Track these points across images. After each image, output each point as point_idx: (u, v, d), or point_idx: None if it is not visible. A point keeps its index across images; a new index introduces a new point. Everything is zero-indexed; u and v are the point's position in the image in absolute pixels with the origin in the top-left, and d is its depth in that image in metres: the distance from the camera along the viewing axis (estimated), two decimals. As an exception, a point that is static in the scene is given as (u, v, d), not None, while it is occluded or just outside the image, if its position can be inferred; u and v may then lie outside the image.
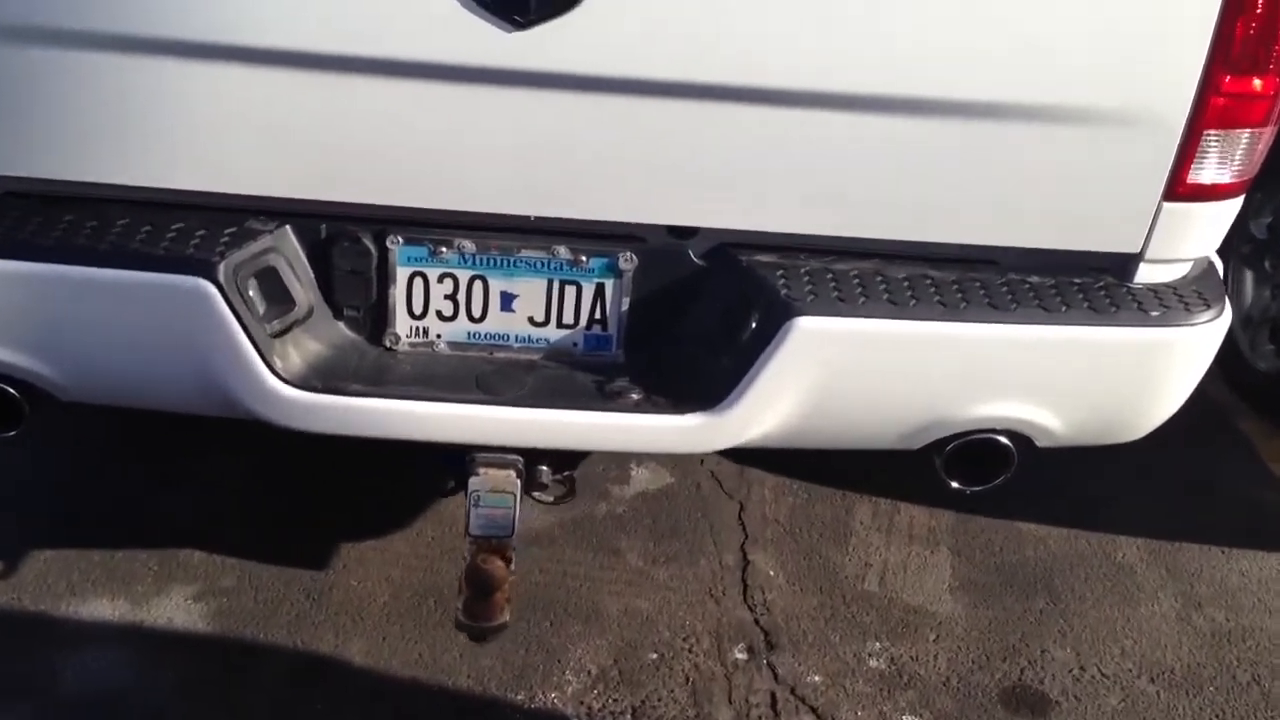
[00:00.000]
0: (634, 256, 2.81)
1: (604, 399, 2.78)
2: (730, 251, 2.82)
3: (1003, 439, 2.89)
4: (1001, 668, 3.58)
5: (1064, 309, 2.76)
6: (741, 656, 3.53)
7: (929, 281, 2.80)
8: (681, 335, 2.89)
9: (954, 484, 2.98)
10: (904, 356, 2.75)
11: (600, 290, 2.86)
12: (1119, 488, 4.33)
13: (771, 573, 3.87)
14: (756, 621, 3.67)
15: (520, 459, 2.83)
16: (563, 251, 2.81)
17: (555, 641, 3.51)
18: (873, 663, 3.55)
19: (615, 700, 3.32)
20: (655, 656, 3.49)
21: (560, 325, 2.89)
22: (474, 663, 3.40)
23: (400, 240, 2.77)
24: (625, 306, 2.87)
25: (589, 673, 3.41)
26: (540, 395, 2.77)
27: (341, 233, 2.75)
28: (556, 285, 2.85)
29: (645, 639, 3.55)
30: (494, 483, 2.74)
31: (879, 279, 2.79)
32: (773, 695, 3.40)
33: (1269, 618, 3.90)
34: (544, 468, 2.93)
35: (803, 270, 2.79)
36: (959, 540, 4.12)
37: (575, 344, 2.91)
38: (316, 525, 3.86)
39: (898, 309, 2.70)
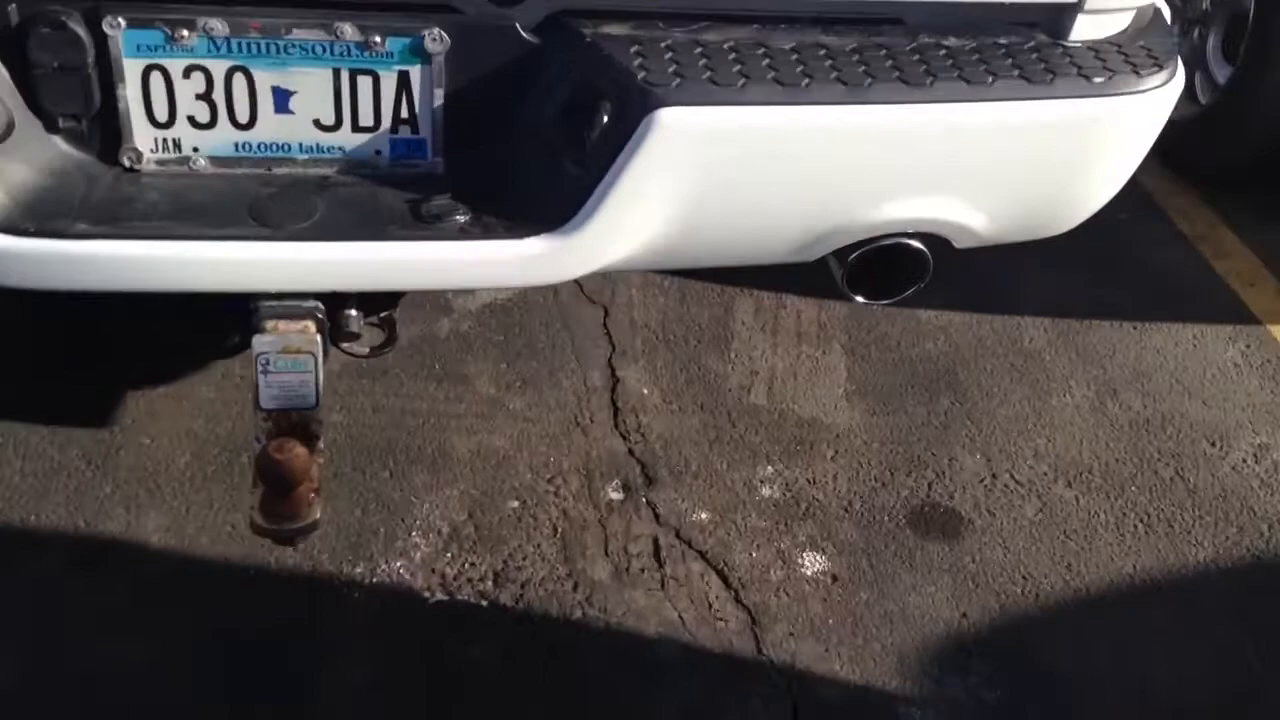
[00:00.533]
0: (444, 35, 2.15)
1: (419, 224, 2.17)
2: (569, 22, 2.18)
3: (916, 243, 2.36)
4: (907, 484, 3.17)
5: (990, 80, 2.19)
6: (616, 496, 3.06)
7: (823, 52, 2.20)
8: (514, 135, 2.26)
9: (858, 297, 2.46)
10: (797, 151, 2.17)
11: (404, 80, 2.20)
12: (1020, 264, 3.87)
13: (645, 391, 3.37)
14: (631, 452, 3.18)
15: (320, 304, 2.21)
16: (348, 31, 2.13)
17: (397, 496, 2.98)
18: (765, 491, 3.12)
19: (472, 564, 2.83)
20: (516, 505, 3.00)
21: (357, 128, 2.23)
22: (299, 532, 2.85)
23: (121, 22, 2.06)
24: (439, 100, 2.22)
25: (439, 532, 2.90)
26: (335, 224, 2.14)
27: (38, 15, 2.02)
28: (346, 76, 2.18)
29: (503, 484, 3.05)
30: (286, 341, 2.13)
31: (761, 51, 2.18)
32: (655, 541, 2.95)
33: (1187, 400, 3.56)
34: (352, 311, 2.32)
35: (664, 44, 2.16)
36: (852, 337, 3.66)
37: (378, 151, 2.27)
38: (93, 371, 3.21)
39: (787, 90, 2.11)
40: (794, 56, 2.18)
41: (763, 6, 2.24)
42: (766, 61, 2.15)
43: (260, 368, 2.13)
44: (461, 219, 2.17)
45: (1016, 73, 2.22)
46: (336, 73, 2.17)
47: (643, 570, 2.87)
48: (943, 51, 2.25)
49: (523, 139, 2.25)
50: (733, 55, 2.16)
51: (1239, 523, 3.15)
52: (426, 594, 2.76)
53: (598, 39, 2.15)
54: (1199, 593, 2.96)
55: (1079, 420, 3.43)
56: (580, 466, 3.12)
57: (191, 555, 2.80)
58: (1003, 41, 2.29)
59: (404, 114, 2.23)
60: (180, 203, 2.15)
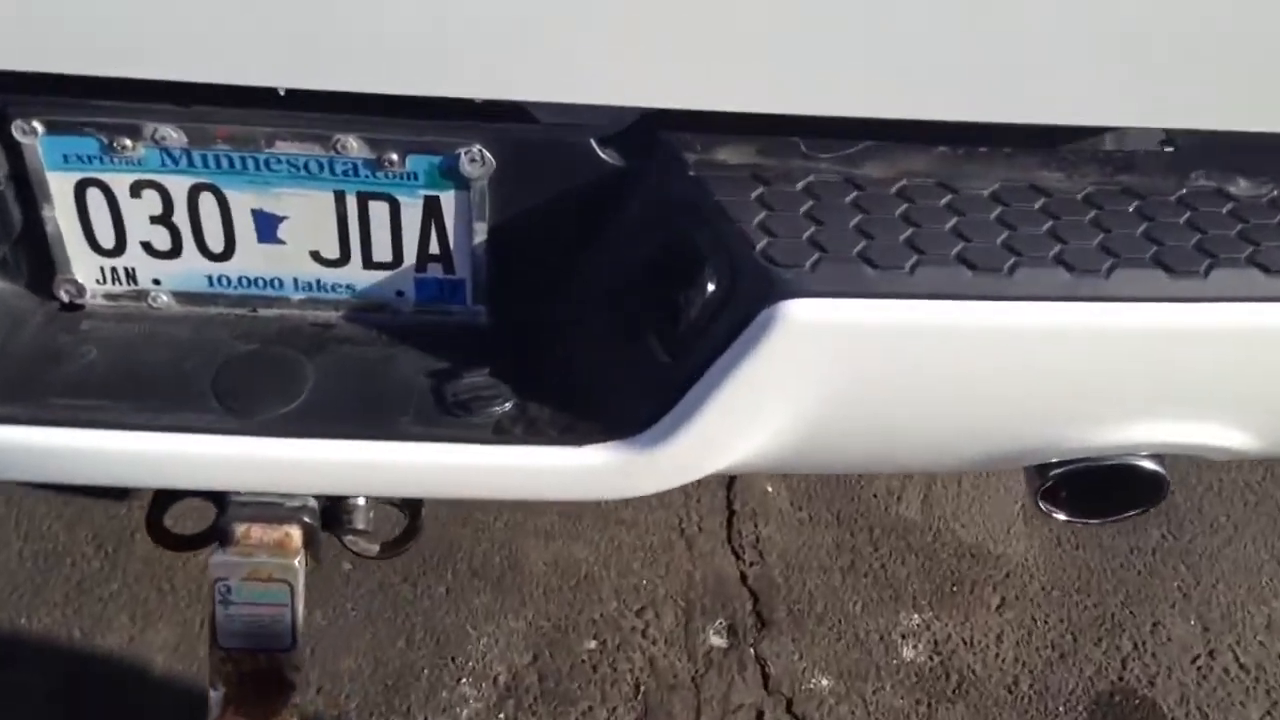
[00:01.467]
0: (485, 154, 1.49)
1: (442, 415, 1.55)
2: (668, 141, 1.50)
3: (1149, 464, 1.64)
4: (1095, 656, 2.49)
5: (1304, 264, 1.43)
6: (719, 643, 2.46)
7: (1041, 202, 1.47)
8: (582, 289, 1.61)
9: (1057, 515, 1.76)
10: (986, 359, 1.46)
11: (433, 209, 1.56)
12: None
13: (769, 489, 2.72)
14: (743, 578, 2.57)
15: (311, 501, 1.64)
16: (353, 145, 1.49)
17: (450, 623, 2.44)
18: (907, 651, 2.47)
19: (527, 731, 2.28)
20: (593, 646, 2.43)
21: (370, 264, 1.61)
22: (330, 665, 2.35)
23: (37, 128, 1.46)
24: (481, 235, 1.58)
25: (495, 681, 2.36)
26: (325, 411, 1.54)
27: (-80, 119, 1.45)
28: (353, 201, 1.55)
29: (581, 614, 2.48)
30: (255, 565, 1.57)
31: (945, 202, 1.46)
32: (759, 716, 2.34)
33: None
34: (360, 501, 1.73)
35: (802, 186, 1.46)
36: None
37: (400, 293, 1.65)
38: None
39: (980, 279, 1.40)
40: (995, 211, 1.46)
41: (966, 111, 1.50)
42: (952, 222, 1.44)
43: (219, 596, 1.57)
44: (500, 409, 1.54)
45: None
46: (340, 196, 1.54)
47: (741, 760, 2.28)
48: (1227, 207, 1.49)
49: (593, 297, 1.60)
50: (902, 208, 1.45)
51: None
52: (469, 772, 2.22)
53: (705, 172, 1.46)
54: None
55: (1330, 573, 2.66)
56: (679, 594, 2.52)
57: (198, 688, 2.32)
58: (1309, 190, 1.52)
59: (434, 249, 1.60)
60: (125, 363, 1.58)
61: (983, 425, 1.57)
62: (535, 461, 1.54)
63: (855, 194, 1.46)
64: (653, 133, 1.50)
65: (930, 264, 1.40)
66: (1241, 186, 1.52)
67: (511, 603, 2.47)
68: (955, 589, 2.57)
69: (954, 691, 2.40)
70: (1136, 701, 2.42)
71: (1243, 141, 1.51)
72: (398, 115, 1.48)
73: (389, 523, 1.79)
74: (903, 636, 2.49)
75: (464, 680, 2.35)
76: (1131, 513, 1.75)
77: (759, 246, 1.40)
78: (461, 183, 1.53)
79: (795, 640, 2.47)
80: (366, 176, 1.52)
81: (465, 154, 1.49)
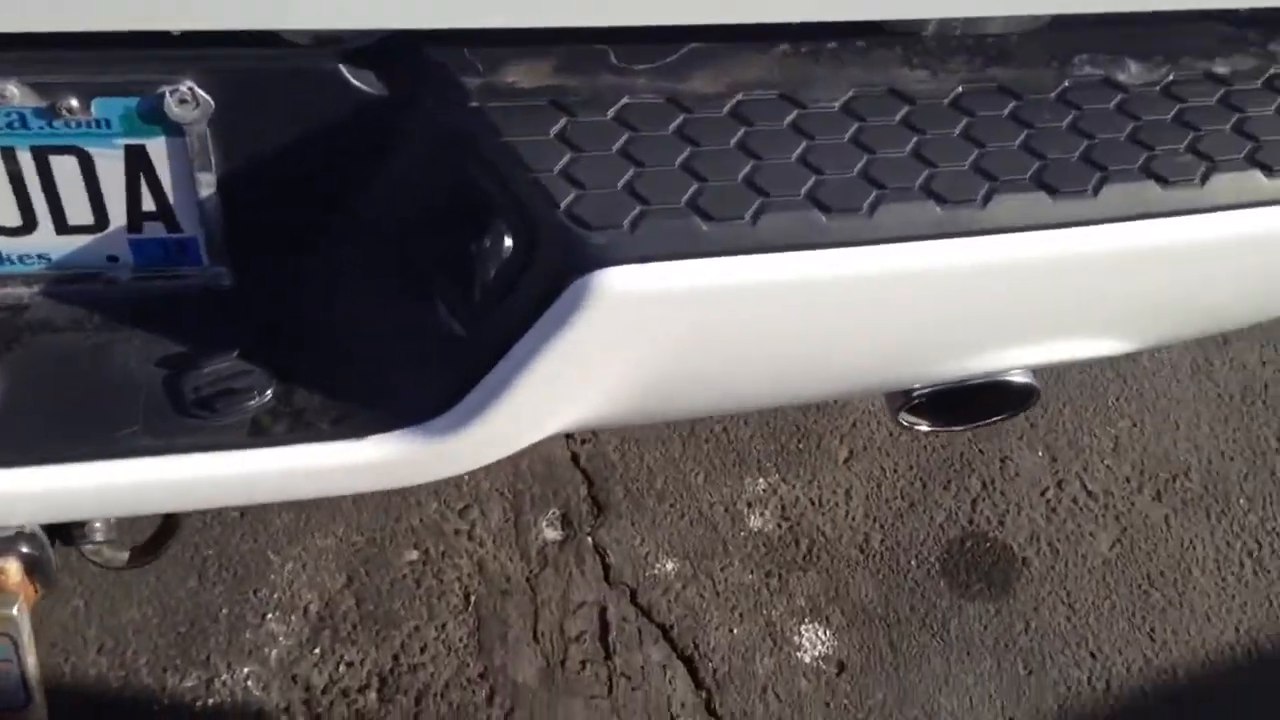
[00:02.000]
0: (198, 93, 1.13)
1: (177, 416, 1.23)
2: (438, 63, 1.16)
3: (1022, 378, 1.45)
4: (945, 501, 2.41)
5: (1203, 174, 1.22)
6: (553, 535, 2.28)
7: (904, 112, 1.21)
8: (350, 242, 1.28)
9: (918, 427, 1.56)
10: (863, 310, 1.22)
11: (139, 160, 1.20)
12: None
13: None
14: (575, 460, 2.37)
15: (28, 528, 1.33)
16: (13, 92, 1.11)
17: (248, 549, 2.18)
18: (754, 520, 2.34)
19: (349, 665, 2.09)
20: (414, 558, 2.21)
21: (65, 229, 1.25)
22: (109, 619, 2.07)
23: None
24: (208, 187, 1.22)
25: (305, 611, 2.13)
26: (21, 425, 1.21)
27: None
28: (27, 159, 1.18)
29: (398, 522, 2.23)
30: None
31: (790, 120, 1.18)
32: (602, 614, 2.19)
33: None
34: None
35: (613, 113, 1.16)
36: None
37: (114, 258, 1.29)
38: None
39: (836, 221, 1.14)
40: (850, 129, 1.18)
41: (809, 7, 1.20)
42: (800, 149, 1.16)
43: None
44: (256, 403, 1.23)
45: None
46: (8, 153, 1.16)
47: (584, 664, 2.12)
48: (1116, 99, 1.25)
49: (365, 254, 1.28)
50: (739, 134, 1.16)
51: (1372, 561, 2.41)
52: (284, 719, 2.01)
53: (490, 102, 1.14)
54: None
55: (1174, 392, 2.59)
56: (505, 487, 2.30)
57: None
58: (1219, 71, 1.28)
59: (148, 205, 1.24)
60: None
61: (842, 373, 1.34)
62: (308, 462, 1.25)
63: (681, 119, 1.16)
64: (419, 51, 1.16)
65: (777, 209, 1.13)
66: (1131, 73, 1.27)
67: (317, 519, 2.21)
68: (801, 445, 2.41)
69: (804, 558, 2.27)
70: (987, 545, 2.34)
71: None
72: (71, 50, 1.10)
73: (142, 521, 1.48)
74: (749, 505, 2.33)
75: (269, 615, 2.11)
76: (999, 418, 1.57)
77: (564, 202, 1.10)
78: (172, 128, 1.17)
79: (635, 523, 2.29)
80: (41, 128, 1.15)
81: (171, 94, 1.13)
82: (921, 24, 1.25)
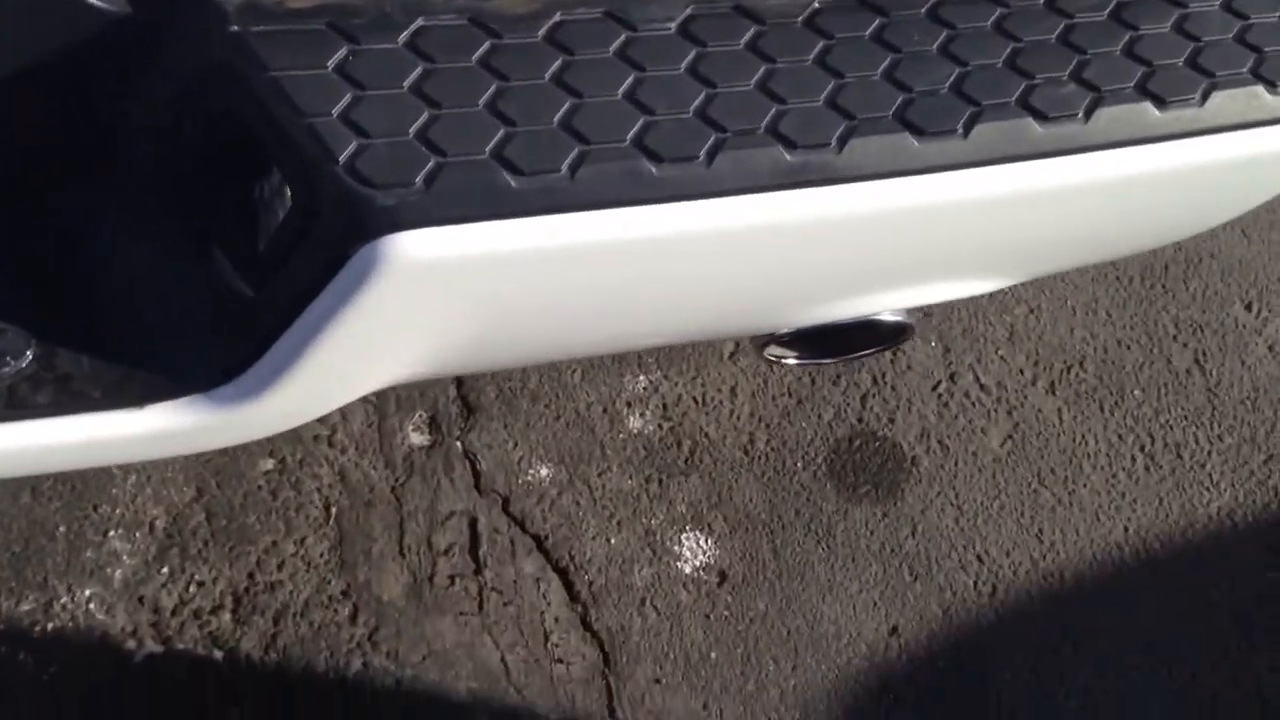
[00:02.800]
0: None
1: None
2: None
3: (894, 317, 1.32)
4: (834, 397, 2.29)
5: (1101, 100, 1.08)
6: (419, 441, 2.15)
7: (749, 41, 1.04)
8: (117, 184, 1.10)
9: (786, 360, 1.44)
10: (700, 268, 1.08)
11: None
12: None
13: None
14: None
15: None
16: None
17: (89, 459, 2.01)
18: (633, 421, 2.22)
19: (201, 584, 1.98)
20: (270, 467, 2.08)
21: None
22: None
23: None
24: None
25: (151, 527, 2.00)
26: None
27: None
28: None
29: (251, 428, 2.08)
30: None
31: (617, 48, 1.01)
32: (473, 524, 2.09)
33: (1223, 232, 2.60)
34: None
35: (406, 39, 0.98)
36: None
37: None
38: None
39: (667, 174, 0.99)
40: (687, 57, 1.02)
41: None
42: (627, 83, 0.99)
43: None
44: (13, 369, 1.07)
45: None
46: None
47: (453, 579, 2.02)
48: (994, 15, 1.09)
49: (132, 196, 1.10)
50: (555, 65, 0.99)
51: (1272, 447, 2.36)
52: (131, 643, 1.90)
53: (254, 24, 0.95)
54: (1215, 581, 2.22)
55: (1072, 275, 2.48)
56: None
57: None
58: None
59: None
60: None
61: (682, 329, 1.20)
62: (78, 435, 1.10)
63: (487, 46, 0.99)
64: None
65: (599, 160, 0.96)
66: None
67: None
68: (683, 339, 2.28)
69: (686, 462, 2.17)
70: (876, 444, 2.25)
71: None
72: None
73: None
74: (628, 405, 2.21)
75: (112, 533, 1.97)
76: (871, 352, 1.45)
77: (344, 155, 0.93)
78: None
79: (508, 426, 2.16)
80: None
81: None
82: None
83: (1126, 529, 2.22)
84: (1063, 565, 2.16)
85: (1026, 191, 1.07)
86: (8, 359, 1.07)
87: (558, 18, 1.00)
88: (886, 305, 1.24)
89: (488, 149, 0.95)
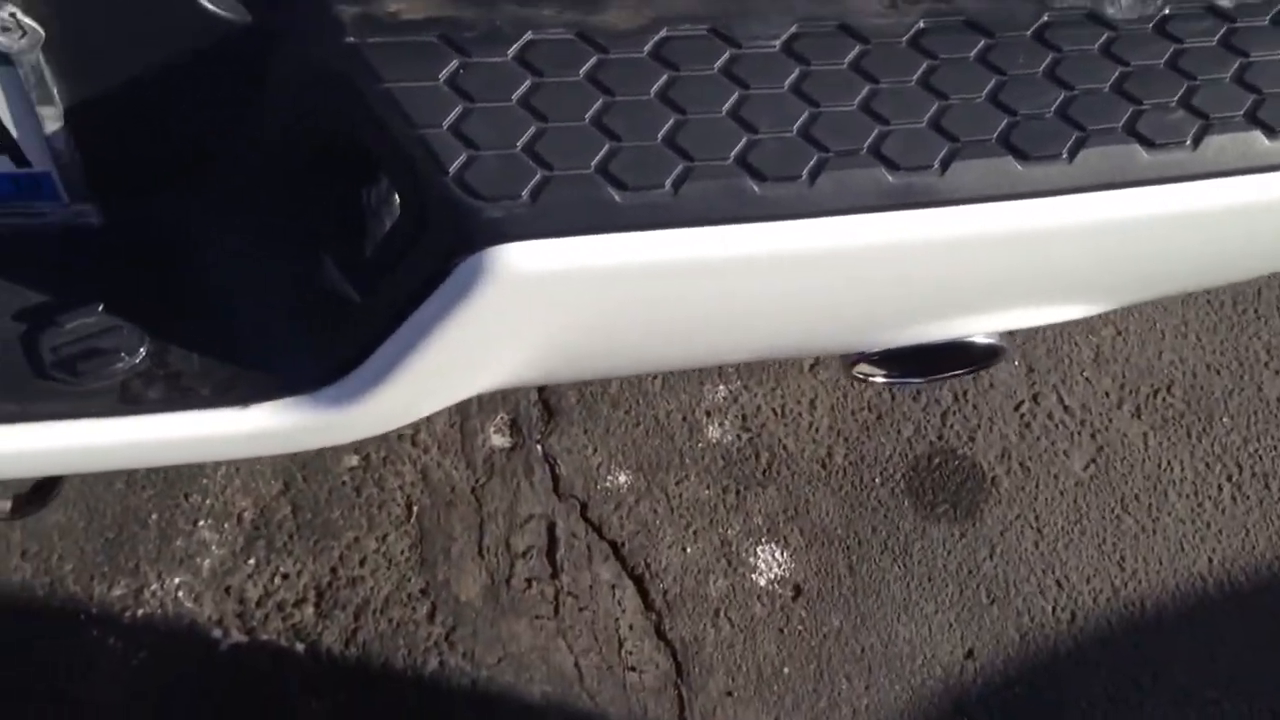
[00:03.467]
0: (20, 19, 0.97)
1: (42, 383, 1.11)
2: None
3: (986, 340, 1.32)
4: (914, 413, 2.28)
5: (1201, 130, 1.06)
6: (500, 443, 2.17)
7: (853, 60, 1.05)
8: (230, 187, 1.13)
9: (875, 378, 1.44)
10: (803, 286, 1.08)
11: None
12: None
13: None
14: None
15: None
16: None
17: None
18: (712, 430, 2.22)
19: (285, 577, 2.02)
20: (355, 464, 2.11)
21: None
22: (32, 522, 1.98)
23: None
24: (55, 120, 1.07)
25: (240, 519, 2.04)
26: None
27: None
28: None
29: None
30: None
31: (723, 64, 1.02)
32: (550, 528, 2.11)
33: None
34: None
35: (514, 50, 1.00)
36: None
37: (-46, 193, 1.15)
38: None
39: (769, 193, 0.99)
40: (790, 75, 1.02)
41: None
42: (731, 100, 1.00)
43: None
44: (126, 365, 1.11)
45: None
46: None
47: (530, 582, 2.04)
48: (1101, 39, 1.08)
49: (245, 199, 1.13)
50: (661, 82, 1.00)
51: (1358, 486, 2.30)
52: (217, 632, 1.94)
53: (369, 35, 0.98)
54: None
55: (1162, 301, 2.44)
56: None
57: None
58: (1221, 3, 1.11)
59: (-18, 136, 1.09)
60: None
61: (778, 345, 1.20)
62: (185, 431, 1.13)
63: (594, 61, 1.00)
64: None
65: (703, 176, 0.97)
66: (1121, 5, 1.10)
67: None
68: (764, 352, 2.29)
69: (764, 473, 2.17)
70: (956, 462, 2.23)
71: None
72: None
73: (23, 469, 1.36)
74: (708, 414, 2.22)
75: (201, 523, 2.02)
76: (961, 373, 1.44)
77: (454, 167, 0.95)
78: (1, 58, 1.00)
79: (588, 431, 2.18)
80: None
81: (-13, 20, 0.97)
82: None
83: (1211, 559, 2.18)
84: (1144, 594, 2.13)
85: (1131, 218, 1.06)
86: (123, 355, 1.10)
87: (663, 34, 1.01)
88: (980, 328, 1.23)
89: (593, 164, 0.96)
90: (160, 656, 1.90)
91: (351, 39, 0.97)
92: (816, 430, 2.23)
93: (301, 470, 2.07)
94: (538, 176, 0.95)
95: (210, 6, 0.99)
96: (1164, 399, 2.33)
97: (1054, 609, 2.10)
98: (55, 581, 1.94)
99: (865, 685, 2.01)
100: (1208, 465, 2.27)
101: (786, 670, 2.01)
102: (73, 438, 1.10)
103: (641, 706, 1.97)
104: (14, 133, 1.08)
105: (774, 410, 2.23)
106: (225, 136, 1.09)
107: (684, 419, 2.21)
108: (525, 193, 0.95)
